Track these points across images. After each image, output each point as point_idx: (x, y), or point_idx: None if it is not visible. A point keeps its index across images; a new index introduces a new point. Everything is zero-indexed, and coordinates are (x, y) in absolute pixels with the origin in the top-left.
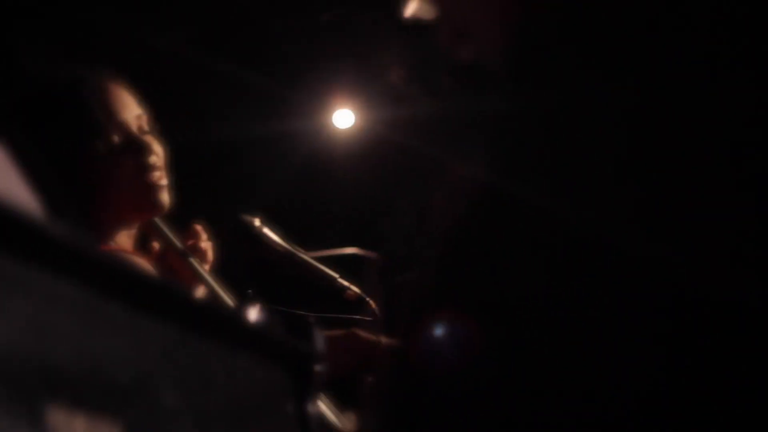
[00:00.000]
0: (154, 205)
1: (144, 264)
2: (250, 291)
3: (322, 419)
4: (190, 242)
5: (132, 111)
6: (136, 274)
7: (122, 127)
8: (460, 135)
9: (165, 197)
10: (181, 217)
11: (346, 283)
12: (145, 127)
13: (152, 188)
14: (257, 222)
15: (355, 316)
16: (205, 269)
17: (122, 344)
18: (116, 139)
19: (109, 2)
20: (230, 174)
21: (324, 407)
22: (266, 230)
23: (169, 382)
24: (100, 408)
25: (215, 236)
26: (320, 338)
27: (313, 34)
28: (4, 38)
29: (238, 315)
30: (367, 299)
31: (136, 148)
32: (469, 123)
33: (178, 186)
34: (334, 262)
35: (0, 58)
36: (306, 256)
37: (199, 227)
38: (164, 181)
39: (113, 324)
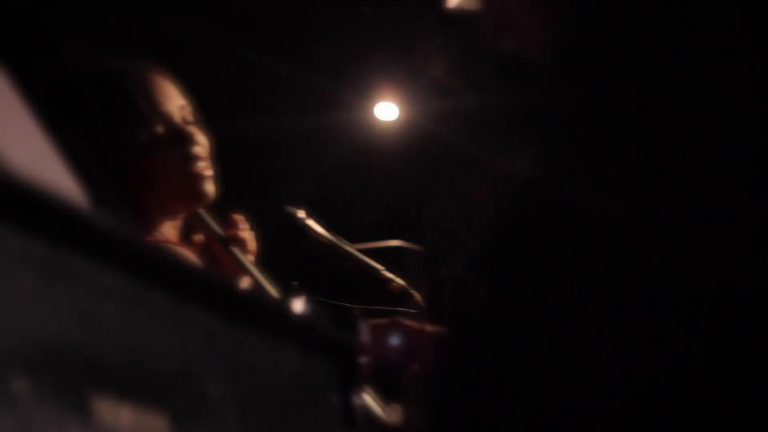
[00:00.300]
0: (199, 195)
1: (188, 254)
2: (294, 283)
3: (366, 411)
4: (230, 231)
5: (176, 102)
6: (180, 264)
7: (166, 118)
8: (503, 128)
9: (210, 188)
10: (225, 209)
11: (390, 276)
12: (189, 117)
13: (197, 179)
14: (301, 213)
15: (399, 309)
16: (248, 259)
17: (167, 335)
18: (160, 129)
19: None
20: (274, 166)
21: (368, 399)
22: (310, 222)
23: (214, 373)
24: (145, 398)
25: (258, 227)
26: (365, 330)
27: (357, 26)
28: (44, 30)
29: (282, 306)
30: (411, 291)
31: (180, 139)
32: (512, 116)
33: (222, 178)
34: (378, 255)
35: (41, 50)
36: (350, 248)
37: (239, 217)
38: (209, 172)
39: (158, 314)
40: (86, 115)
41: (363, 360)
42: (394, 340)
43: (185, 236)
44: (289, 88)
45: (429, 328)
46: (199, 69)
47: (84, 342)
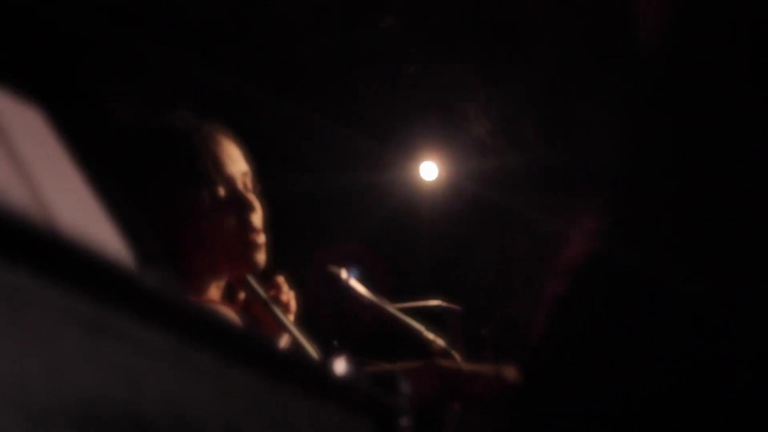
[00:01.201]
0: (250, 263)
1: (231, 314)
2: (335, 342)
3: None
4: (272, 292)
5: (240, 167)
6: (223, 324)
7: (229, 182)
8: (543, 187)
9: (262, 257)
10: (268, 268)
11: (431, 336)
12: (250, 184)
13: (251, 246)
14: (344, 273)
15: None
16: (289, 319)
17: (210, 394)
18: (222, 192)
19: (198, 51)
20: (319, 224)
21: None
22: (353, 281)
23: None
24: None
25: (300, 287)
26: (406, 392)
27: (400, 86)
28: (89, 83)
29: (324, 366)
30: (453, 352)
31: (240, 205)
32: (553, 176)
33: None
34: (419, 315)
35: (87, 102)
36: (391, 308)
37: (281, 278)
38: (262, 240)
39: (201, 374)
40: (152, 169)
41: (404, 421)
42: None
43: (227, 295)
44: (334, 146)
45: (465, 365)
46: (247, 125)
47: (129, 401)
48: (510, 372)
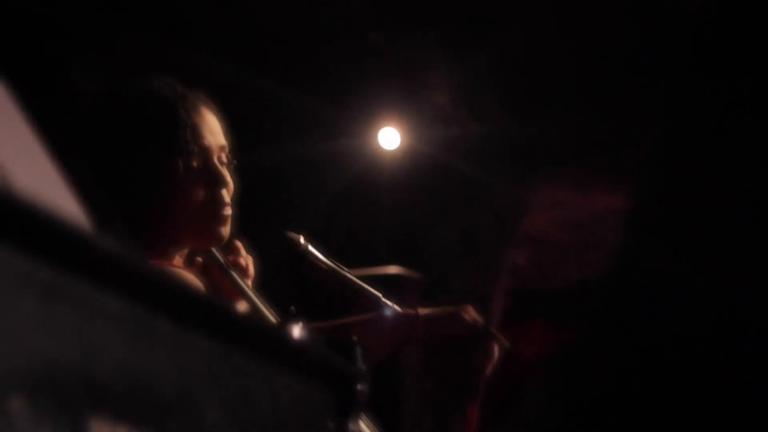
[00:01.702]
0: (215, 236)
1: (192, 279)
2: (292, 308)
3: None
4: (230, 257)
5: (218, 140)
6: (180, 288)
7: (205, 154)
8: (506, 158)
9: (226, 231)
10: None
11: (389, 303)
12: (225, 159)
13: (218, 220)
14: (302, 239)
15: None
16: (246, 284)
17: (166, 359)
18: (196, 163)
19: (151, 23)
20: (276, 193)
21: (365, 427)
22: (310, 247)
23: (212, 399)
24: (142, 422)
25: (258, 252)
26: (363, 357)
27: (360, 54)
28: (54, 53)
29: (281, 332)
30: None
31: (212, 179)
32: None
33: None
34: (378, 282)
35: (52, 73)
36: (349, 275)
37: (239, 243)
38: (228, 215)
39: (158, 338)
40: (132, 134)
41: (361, 387)
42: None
43: (187, 260)
44: (291, 114)
45: (421, 311)
46: (207, 95)
47: (83, 364)
48: (469, 313)
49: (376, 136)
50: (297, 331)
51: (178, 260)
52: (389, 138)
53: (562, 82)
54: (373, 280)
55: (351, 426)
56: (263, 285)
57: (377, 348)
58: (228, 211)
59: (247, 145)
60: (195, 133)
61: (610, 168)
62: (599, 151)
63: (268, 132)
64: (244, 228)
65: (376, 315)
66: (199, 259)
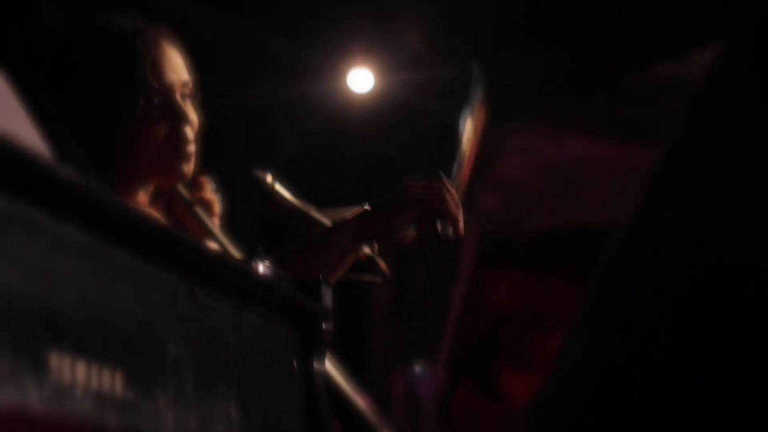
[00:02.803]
0: (178, 173)
1: (154, 215)
2: (259, 247)
3: (326, 377)
4: (196, 194)
5: (180, 76)
6: (144, 222)
7: (167, 91)
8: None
9: (189, 168)
10: (193, 173)
11: None
12: (188, 94)
13: (179, 157)
14: (269, 177)
15: (364, 276)
16: (212, 222)
17: (128, 293)
18: (158, 101)
19: None
20: (244, 132)
21: (329, 366)
22: (278, 186)
23: (174, 333)
24: (102, 356)
25: (225, 191)
26: (329, 296)
27: None
28: None
29: (246, 269)
30: (377, 260)
31: (174, 115)
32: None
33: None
34: None
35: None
36: (317, 214)
37: (205, 179)
38: (192, 152)
39: (120, 272)
40: (92, 70)
41: (326, 325)
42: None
43: (152, 197)
44: (260, 55)
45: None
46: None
47: (42, 296)
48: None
49: (346, 77)
50: (262, 267)
51: (142, 198)
52: (360, 79)
53: (536, 24)
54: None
55: (315, 363)
56: (230, 223)
57: (335, 263)
58: (191, 148)
59: (215, 84)
60: (155, 69)
61: (585, 112)
62: (574, 95)
63: (236, 71)
64: (211, 166)
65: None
66: (165, 197)
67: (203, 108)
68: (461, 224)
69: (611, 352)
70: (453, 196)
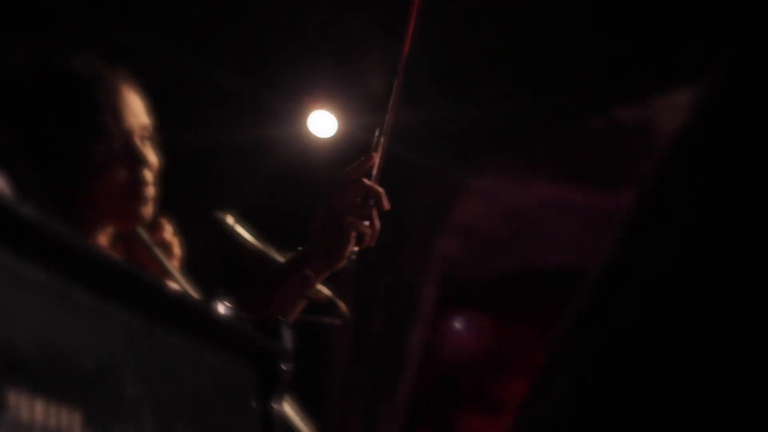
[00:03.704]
0: (136, 217)
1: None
2: (219, 288)
3: (285, 418)
4: (156, 236)
5: (140, 119)
6: (104, 260)
7: (126, 136)
8: (441, 143)
9: (148, 211)
10: (153, 218)
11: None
12: (148, 137)
13: (138, 201)
14: (230, 219)
15: (325, 318)
16: (172, 264)
17: (87, 331)
18: (117, 146)
19: (83, 1)
20: (205, 175)
21: (288, 408)
22: (239, 228)
23: (133, 372)
24: (61, 394)
25: (186, 233)
26: (289, 337)
27: (295, 37)
28: None
29: (206, 309)
30: (337, 302)
31: (133, 159)
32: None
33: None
34: None
35: None
36: (278, 256)
37: (164, 221)
38: (151, 195)
39: (79, 310)
40: (51, 114)
41: (285, 367)
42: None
43: (112, 240)
44: (222, 97)
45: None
46: (134, 75)
47: (0, 333)
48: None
49: (308, 120)
50: (222, 308)
51: (102, 240)
52: (323, 122)
53: (498, 69)
54: None
55: (274, 405)
56: (190, 265)
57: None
58: (150, 191)
59: (177, 125)
60: (115, 114)
61: (548, 156)
62: (537, 139)
63: (198, 113)
64: (171, 208)
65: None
66: (125, 239)
67: (164, 149)
68: (385, 202)
69: (593, 394)
70: (369, 188)
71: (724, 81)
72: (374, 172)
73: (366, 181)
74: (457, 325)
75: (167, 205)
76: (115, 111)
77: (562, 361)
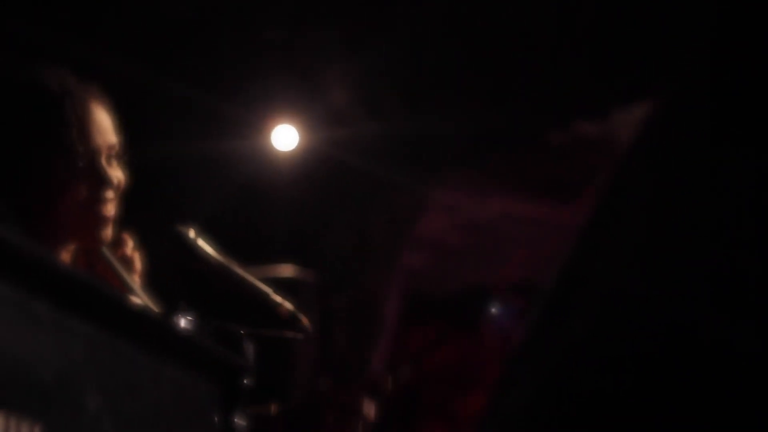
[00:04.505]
0: (95, 238)
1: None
2: (181, 302)
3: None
4: (118, 252)
5: (107, 138)
6: (63, 272)
7: (92, 154)
8: (404, 157)
9: (108, 232)
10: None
11: (278, 299)
12: (114, 156)
13: (99, 221)
14: (192, 233)
15: (287, 333)
16: (132, 278)
17: (47, 344)
18: (81, 165)
19: (46, 16)
20: (167, 188)
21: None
22: (201, 242)
23: (93, 385)
24: (20, 407)
25: (147, 248)
26: (250, 351)
27: (257, 51)
28: None
29: (167, 323)
30: (300, 316)
31: (96, 179)
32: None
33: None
34: (273, 283)
35: None
36: (239, 270)
37: (126, 236)
38: (112, 215)
39: (38, 322)
40: (16, 128)
41: (246, 381)
42: None
43: (74, 256)
44: (184, 110)
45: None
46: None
47: None
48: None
49: (271, 134)
50: (183, 322)
51: (64, 255)
52: (285, 135)
53: (461, 81)
54: (266, 281)
55: (235, 420)
56: (152, 279)
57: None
58: (110, 211)
59: (139, 140)
60: (82, 132)
61: (508, 170)
62: (497, 152)
63: (160, 126)
64: (133, 222)
65: None
66: (86, 255)
67: (127, 163)
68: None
69: (548, 405)
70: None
71: (676, 94)
72: None
73: None
74: (420, 337)
75: (129, 218)
76: (82, 128)
77: (516, 373)
